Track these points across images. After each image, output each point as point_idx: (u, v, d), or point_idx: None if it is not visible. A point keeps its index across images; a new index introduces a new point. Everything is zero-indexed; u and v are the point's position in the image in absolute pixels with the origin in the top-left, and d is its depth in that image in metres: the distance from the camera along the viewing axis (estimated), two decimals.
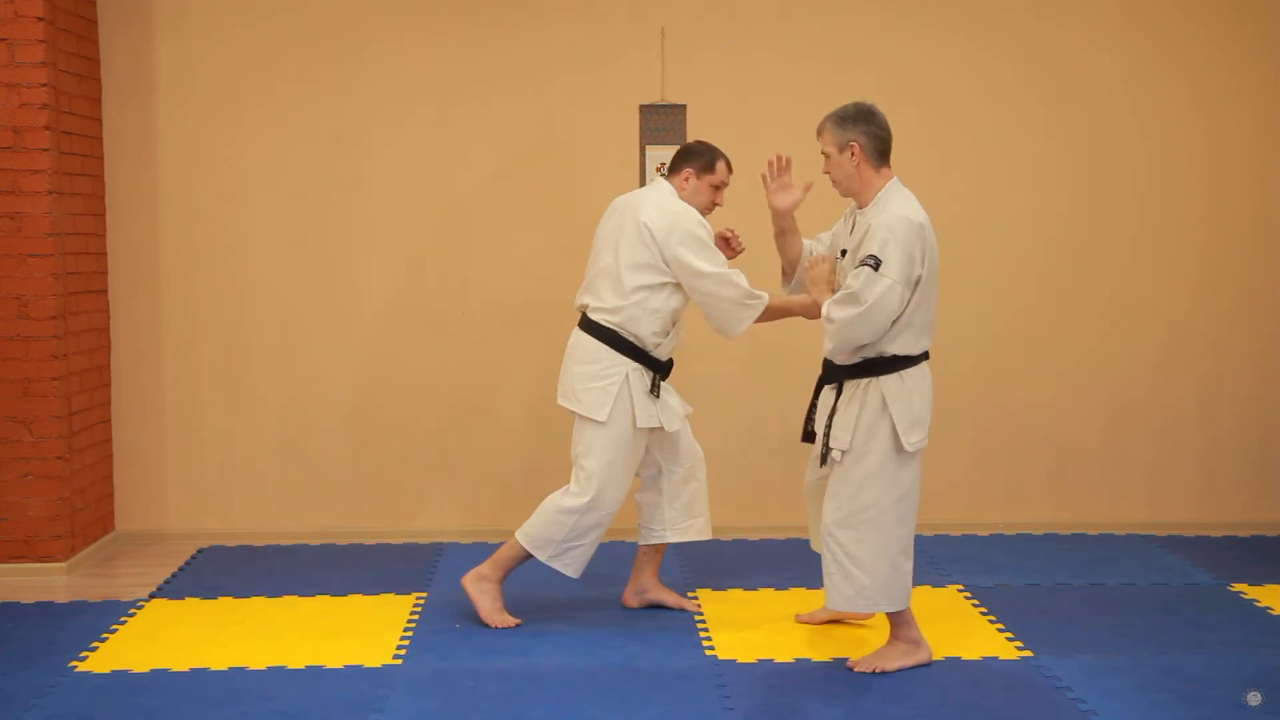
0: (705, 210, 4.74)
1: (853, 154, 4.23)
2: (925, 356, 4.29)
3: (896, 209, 4.18)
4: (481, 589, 4.79)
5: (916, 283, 4.16)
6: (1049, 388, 6.18)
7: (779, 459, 6.02)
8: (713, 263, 4.59)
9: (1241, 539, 6.05)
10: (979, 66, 6.05)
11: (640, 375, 4.67)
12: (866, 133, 4.22)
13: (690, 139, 5.93)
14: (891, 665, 4.31)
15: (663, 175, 4.83)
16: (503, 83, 5.96)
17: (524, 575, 4.90)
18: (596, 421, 4.64)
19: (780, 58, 6.00)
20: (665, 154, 5.92)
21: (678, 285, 4.65)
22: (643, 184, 5.89)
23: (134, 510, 6.07)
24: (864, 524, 4.24)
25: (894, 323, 4.16)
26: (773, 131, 5.88)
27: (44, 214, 5.41)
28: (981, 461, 6.18)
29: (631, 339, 4.66)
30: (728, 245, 4.83)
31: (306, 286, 6.02)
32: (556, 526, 4.69)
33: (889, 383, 4.21)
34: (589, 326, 4.71)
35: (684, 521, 4.88)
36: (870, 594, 4.26)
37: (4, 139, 5.38)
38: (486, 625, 4.75)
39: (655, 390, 4.69)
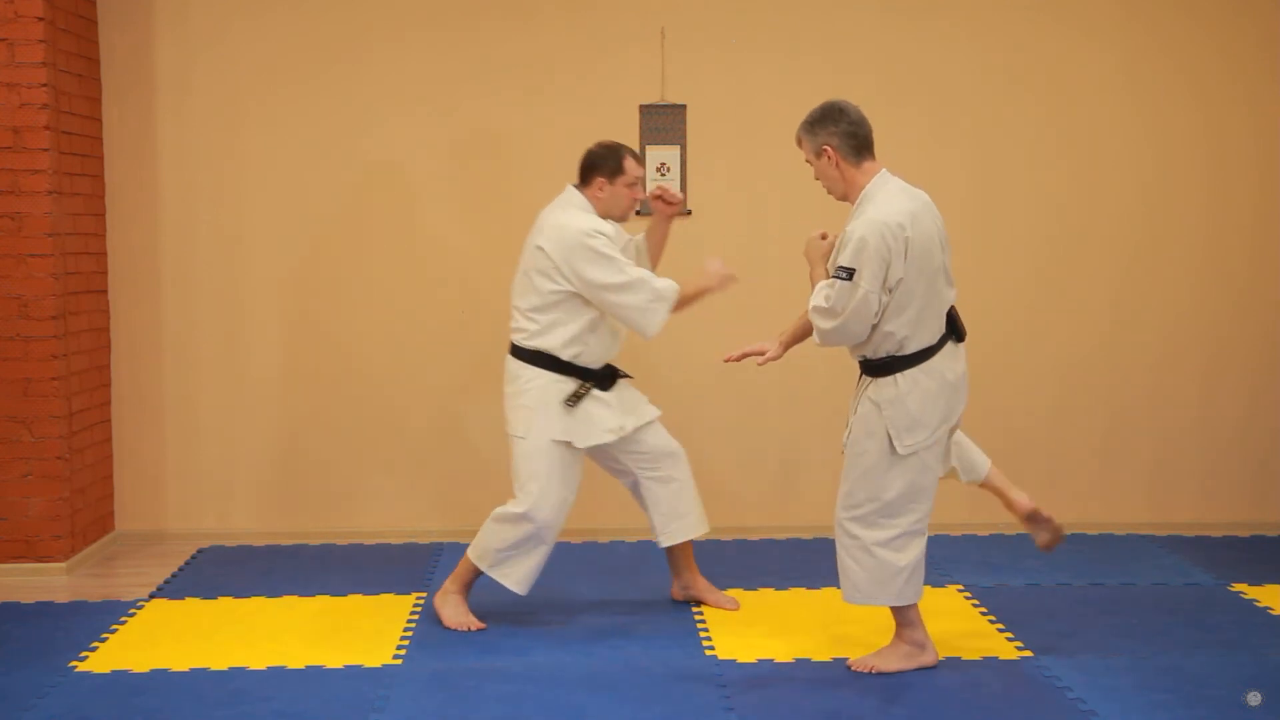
0: (626, 212, 4.70)
1: (828, 156, 4.16)
2: (929, 353, 4.15)
3: (873, 213, 4.05)
4: (444, 601, 4.83)
5: (898, 282, 4.05)
6: (1049, 388, 6.17)
7: (779, 460, 6.02)
8: (611, 273, 4.54)
9: (1241, 539, 6.04)
10: (979, 66, 6.05)
11: (558, 387, 4.65)
12: (837, 132, 4.14)
13: (690, 139, 5.95)
14: (890, 667, 4.30)
15: (575, 186, 4.75)
16: (503, 82, 5.96)
17: None
18: (520, 438, 4.66)
19: (780, 58, 6.00)
20: (665, 154, 5.94)
21: (578, 294, 4.60)
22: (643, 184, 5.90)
23: (134, 510, 6.07)
24: (857, 520, 4.25)
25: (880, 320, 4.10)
26: (773, 131, 5.88)
27: (44, 214, 5.41)
28: None
29: (546, 352, 4.66)
30: (665, 204, 4.79)
31: (306, 286, 6.02)
32: (494, 536, 4.71)
33: (884, 386, 4.16)
34: (511, 349, 4.75)
35: (671, 525, 4.85)
36: (863, 586, 4.27)
37: (4, 139, 5.38)
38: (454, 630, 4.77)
39: (574, 400, 4.64)
